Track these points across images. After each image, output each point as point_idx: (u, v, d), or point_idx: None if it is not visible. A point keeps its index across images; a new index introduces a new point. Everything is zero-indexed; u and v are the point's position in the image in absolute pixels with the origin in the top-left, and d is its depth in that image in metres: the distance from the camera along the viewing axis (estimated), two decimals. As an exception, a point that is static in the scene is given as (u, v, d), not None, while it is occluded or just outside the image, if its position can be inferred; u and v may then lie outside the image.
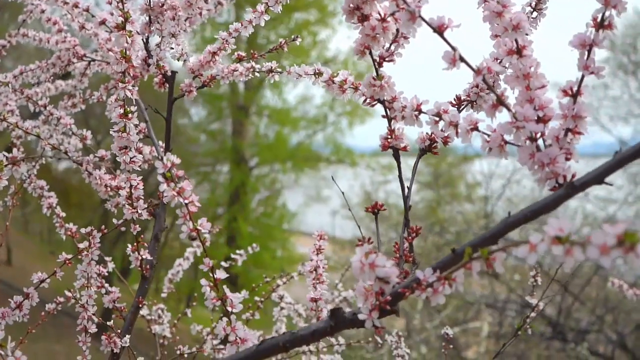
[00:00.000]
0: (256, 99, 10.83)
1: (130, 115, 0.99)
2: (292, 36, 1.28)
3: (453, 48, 0.64)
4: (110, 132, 0.99)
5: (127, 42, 0.99)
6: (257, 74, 1.25)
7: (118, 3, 1.00)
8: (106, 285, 1.14)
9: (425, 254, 7.03)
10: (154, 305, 1.78)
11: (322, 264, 1.04)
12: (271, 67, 1.23)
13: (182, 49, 1.22)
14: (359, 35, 0.75)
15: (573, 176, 0.62)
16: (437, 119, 0.78)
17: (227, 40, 1.22)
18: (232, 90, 10.47)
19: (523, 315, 1.40)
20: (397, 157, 0.83)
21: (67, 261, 1.09)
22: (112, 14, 1.05)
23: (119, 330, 1.12)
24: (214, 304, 0.75)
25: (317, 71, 1.08)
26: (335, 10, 10.17)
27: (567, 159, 0.64)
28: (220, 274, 0.74)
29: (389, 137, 0.82)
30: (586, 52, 0.64)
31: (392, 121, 0.82)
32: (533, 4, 0.90)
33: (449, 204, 8.90)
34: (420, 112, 0.80)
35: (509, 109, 0.67)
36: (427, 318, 6.73)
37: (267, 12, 1.19)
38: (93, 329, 1.11)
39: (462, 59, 0.64)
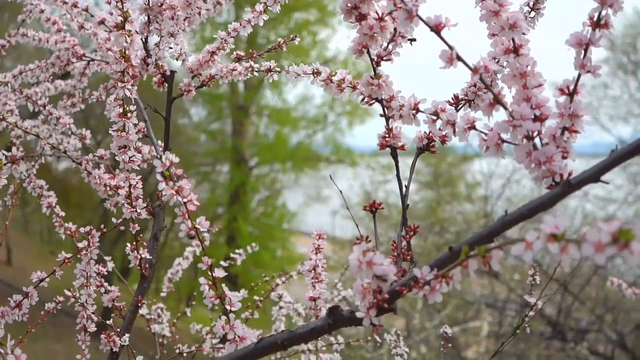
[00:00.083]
0: (256, 98, 10.84)
1: (129, 114, 0.99)
2: (291, 35, 1.28)
3: (450, 47, 0.65)
4: (110, 131, 1.00)
5: (126, 42, 0.99)
6: (255, 73, 1.26)
7: (117, 3, 1.00)
8: (105, 284, 1.15)
9: (426, 254, 7.03)
10: (153, 304, 1.78)
11: (320, 263, 1.04)
12: (270, 67, 1.23)
13: (180, 49, 1.22)
14: (357, 35, 0.75)
15: (570, 174, 0.63)
16: (435, 117, 0.78)
17: (225, 40, 1.23)
18: (232, 90, 10.47)
19: (522, 315, 1.40)
20: (394, 156, 0.84)
21: (67, 260, 1.09)
22: (111, 14, 1.05)
23: (118, 329, 1.12)
24: (212, 302, 0.76)
25: (315, 70, 1.08)
26: (335, 10, 10.17)
27: (564, 158, 0.64)
28: (219, 273, 0.74)
29: (387, 135, 0.82)
30: (583, 51, 0.64)
31: (390, 120, 0.82)
32: (531, 3, 0.90)
33: (448, 204, 8.90)
34: (418, 110, 0.80)
35: (505, 108, 0.67)
36: (426, 318, 6.74)
37: (266, 12, 1.19)
38: (92, 327, 1.12)
39: (459, 58, 0.65)
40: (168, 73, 1.23)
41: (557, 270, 1.40)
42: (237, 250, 1.88)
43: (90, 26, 1.38)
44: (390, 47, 0.80)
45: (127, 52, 0.99)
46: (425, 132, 0.83)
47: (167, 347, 1.71)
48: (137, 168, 1.03)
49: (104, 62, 1.49)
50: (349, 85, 0.98)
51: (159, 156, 0.69)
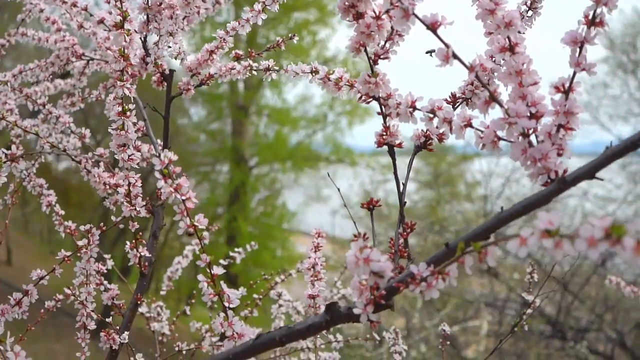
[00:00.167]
0: (256, 98, 10.84)
1: (128, 113, 1.00)
2: (290, 35, 1.28)
3: (446, 45, 0.65)
4: (109, 130, 1.00)
5: (125, 41, 0.99)
6: (254, 72, 1.26)
7: (116, 2, 1.00)
8: (105, 282, 1.15)
9: (425, 253, 7.02)
10: (153, 302, 1.78)
11: (320, 261, 1.04)
12: (268, 66, 1.24)
13: (179, 48, 1.23)
14: (354, 33, 0.76)
15: (565, 171, 0.63)
16: (432, 115, 0.78)
17: (224, 39, 1.23)
18: (232, 90, 10.48)
19: (521, 313, 1.40)
20: (392, 154, 0.84)
21: (66, 258, 1.10)
22: (110, 13, 1.06)
23: (117, 327, 1.12)
24: (211, 299, 0.76)
25: (313, 69, 1.09)
26: (334, 10, 10.17)
27: (559, 155, 0.65)
28: (218, 270, 0.74)
29: (384, 133, 0.83)
30: (578, 49, 0.65)
31: (387, 118, 0.83)
32: (528, 2, 0.91)
33: (448, 203, 8.90)
34: (415, 109, 0.81)
35: (501, 105, 0.67)
36: (426, 317, 6.74)
37: (265, 11, 1.19)
38: (92, 325, 1.12)
39: (455, 56, 0.65)
40: (167, 72, 1.24)
41: (557, 269, 1.40)
42: (236, 249, 1.88)
43: (90, 25, 1.39)
44: (387, 45, 0.80)
45: (126, 51, 1.00)
46: (422, 130, 0.84)
47: (167, 346, 1.71)
48: (137, 166, 1.03)
49: (103, 61, 1.50)
50: (347, 83, 0.98)
51: (158, 154, 0.69)
